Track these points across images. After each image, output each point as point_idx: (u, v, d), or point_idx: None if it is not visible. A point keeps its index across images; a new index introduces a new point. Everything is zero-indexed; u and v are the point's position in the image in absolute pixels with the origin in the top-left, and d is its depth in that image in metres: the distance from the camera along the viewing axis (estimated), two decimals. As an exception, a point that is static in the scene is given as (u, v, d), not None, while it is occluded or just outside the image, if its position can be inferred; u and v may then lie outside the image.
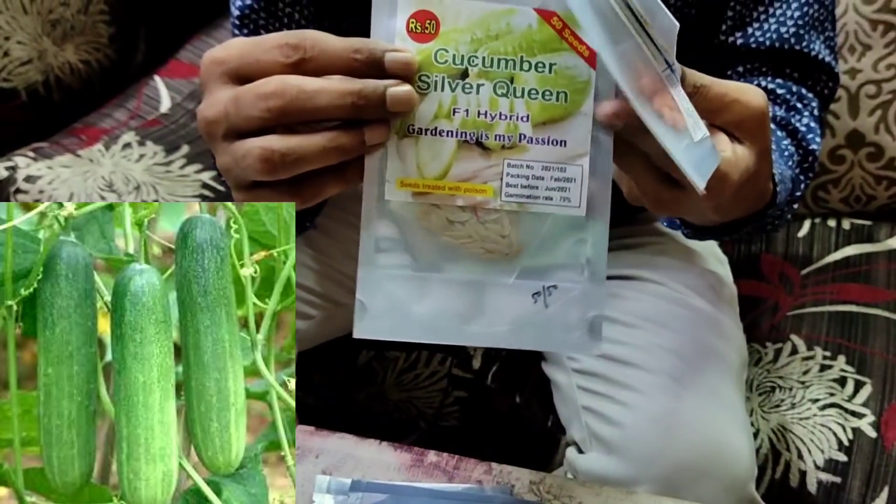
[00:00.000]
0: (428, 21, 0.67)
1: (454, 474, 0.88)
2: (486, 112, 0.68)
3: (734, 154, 0.74)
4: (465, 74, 0.68)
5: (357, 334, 0.69)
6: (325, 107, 0.64)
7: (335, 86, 0.65)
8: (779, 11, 1.09)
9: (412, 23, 0.67)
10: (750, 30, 1.10)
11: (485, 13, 0.68)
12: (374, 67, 0.65)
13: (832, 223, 1.60)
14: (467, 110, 0.68)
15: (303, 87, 0.64)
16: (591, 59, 0.69)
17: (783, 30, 1.09)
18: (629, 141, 0.71)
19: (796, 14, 1.08)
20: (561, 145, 0.69)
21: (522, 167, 0.68)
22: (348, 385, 1.37)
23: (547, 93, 0.68)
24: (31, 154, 1.47)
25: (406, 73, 0.66)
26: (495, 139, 0.68)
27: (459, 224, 0.69)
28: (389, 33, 0.67)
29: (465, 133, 0.68)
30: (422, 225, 0.68)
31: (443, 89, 0.68)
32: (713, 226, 0.93)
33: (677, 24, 0.67)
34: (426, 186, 0.68)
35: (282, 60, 0.65)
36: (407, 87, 0.66)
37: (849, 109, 1.55)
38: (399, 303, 0.69)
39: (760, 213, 0.90)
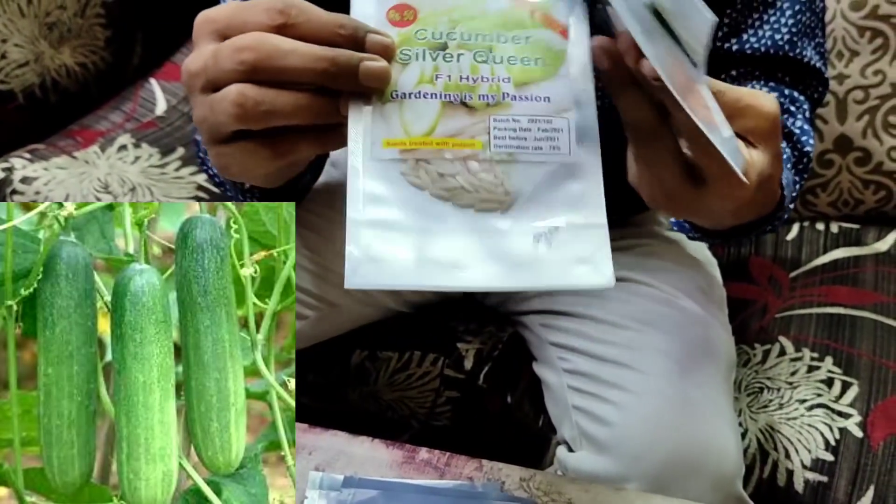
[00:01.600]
0: (406, 10, 0.69)
1: (445, 471, 0.88)
2: (468, 76, 0.69)
3: (750, 157, 0.75)
4: (444, 47, 0.69)
5: (348, 285, 0.66)
6: (296, 67, 0.65)
7: (310, 49, 0.65)
8: (773, 18, 1.09)
9: (391, 13, 0.69)
10: (745, 36, 1.11)
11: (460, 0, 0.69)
12: (355, 45, 0.67)
13: (820, 227, 1.61)
14: (449, 76, 0.69)
15: (278, 45, 0.65)
16: (564, 34, 0.71)
17: (777, 37, 1.09)
18: (657, 126, 0.72)
19: (790, 21, 1.09)
20: (545, 101, 0.70)
21: (508, 121, 0.69)
22: (341, 385, 1.37)
23: (525, 59, 0.70)
24: (28, 155, 1.47)
25: (385, 56, 0.67)
26: (479, 99, 0.69)
27: (450, 177, 0.68)
28: (367, 20, 0.68)
29: (449, 95, 0.69)
30: (410, 181, 0.68)
31: (424, 59, 0.69)
32: (722, 230, 0.94)
33: (712, 18, 0.67)
34: (413, 144, 0.68)
35: (266, 23, 0.66)
36: (382, 63, 0.67)
37: (837, 114, 1.56)
38: (390, 253, 0.67)
39: (769, 217, 0.91)
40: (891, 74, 1.52)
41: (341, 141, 0.69)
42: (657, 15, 0.69)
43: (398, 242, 0.67)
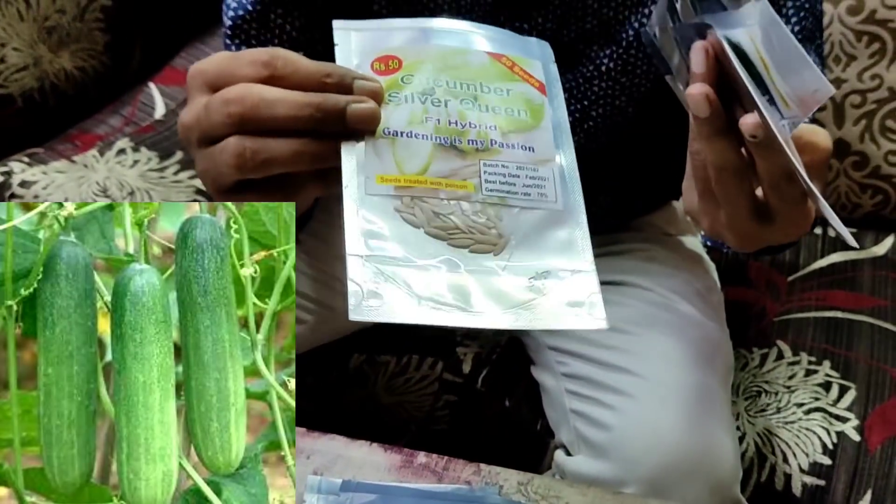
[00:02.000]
0: (391, 60, 0.71)
1: (443, 475, 0.88)
2: (456, 121, 0.70)
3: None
4: (432, 92, 0.70)
5: (352, 317, 0.66)
6: (283, 116, 0.66)
7: (295, 97, 0.66)
8: None
9: (376, 64, 0.71)
10: None
11: (442, 51, 0.72)
12: (343, 92, 0.67)
13: (818, 230, 1.61)
14: (438, 119, 0.70)
15: (264, 95, 0.66)
16: (542, 89, 0.74)
17: None
18: (741, 170, 0.74)
19: (795, 28, 1.09)
20: (530, 150, 0.71)
21: (498, 166, 0.70)
22: (340, 389, 1.38)
23: (509, 109, 0.72)
24: (27, 159, 1.47)
25: (373, 100, 0.68)
26: (468, 143, 0.70)
27: (445, 216, 0.69)
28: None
29: (440, 137, 0.70)
30: (405, 218, 0.68)
31: (413, 102, 0.70)
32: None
33: (831, 89, 0.69)
34: (407, 181, 0.69)
35: (253, 75, 0.67)
36: (371, 104, 0.68)
37: (834, 119, 1.57)
38: (390, 288, 0.67)
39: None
40: (888, 79, 1.53)
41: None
42: (740, 55, 0.70)
43: (397, 278, 0.67)
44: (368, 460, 0.89)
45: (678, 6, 0.76)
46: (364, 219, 0.67)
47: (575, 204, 0.72)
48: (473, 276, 0.68)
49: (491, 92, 0.72)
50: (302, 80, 0.67)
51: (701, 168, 0.76)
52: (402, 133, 0.69)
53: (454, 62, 0.72)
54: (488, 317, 0.68)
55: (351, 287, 0.66)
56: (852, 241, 0.71)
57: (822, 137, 0.78)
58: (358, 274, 0.66)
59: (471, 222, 0.69)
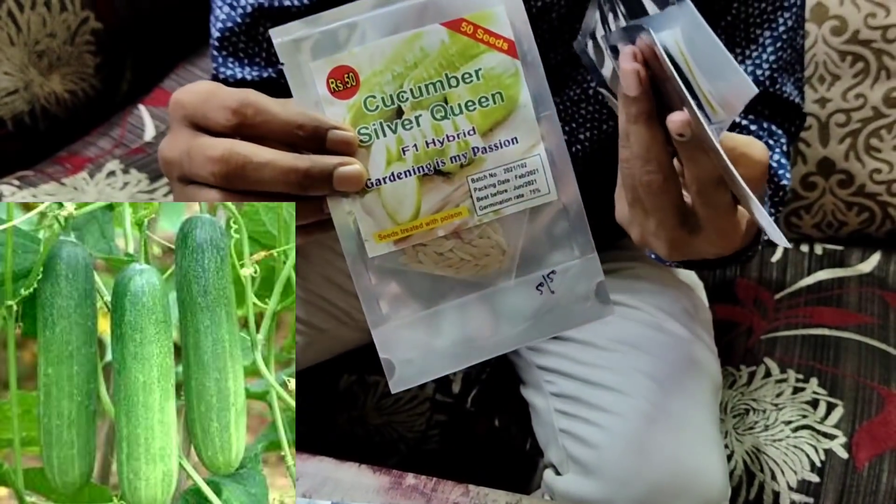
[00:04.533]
0: (346, 75, 0.68)
1: (432, 496, 0.88)
2: (433, 140, 0.69)
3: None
4: (399, 112, 0.68)
5: (394, 390, 0.71)
6: (268, 180, 0.66)
7: (282, 161, 0.66)
8: (755, 54, 1.11)
9: (332, 83, 0.68)
10: None
11: (396, 46, 0.68)
12: (316, 143, 0.67)
13: (805, 248, 1.63)
14: (416, 145, 0.68)
15: (249, 157, 0.65)
16: (512, 50, 0.69)
17: (759, 73, 1.11)
18: (667, 169, 0.73)
19: (771, 58, 1.11)
20: (514, 143, 0.70)
21: (486, 177, 0.69)
22: (329, 409, 1.38)
23: (483, 99, 0.69)
24: (17, 182, 1.47)
25: (347, 151, 0.67)
26: (451, 161, 0.69)
27: (449, 253, 0.69)
28: (314, 100, 0.68)
29: (422, 167, 0.69)
30: (414, 268, 0.69)
31: (385, 134, 0.68)
32: (695, 261, 0.96)
33: (754, 89, 0.67)
34: (404, 231, 0.69)
35: (223, 122, 0.66)
36: (356, 167, 0.67)
37: (819, 137, 1.58)
38: (420, 346, 0.70)
39: (742, 251, 0.93)
40: (872, 98, 1.54)
41: (329, 228, 0.70)
42: (676, 70, 0.69)
43: (422, 335, 0.70)
44: (357, 482, 0.89)
45: (608, 13, 0.75)
46: (377, 286, 0.70)
47: (568, 186, 0.70)
48: (488, 303, 0.70)
49: (460, 83, 0.69)
50: (273, 131, 0.67)
51: (631, 177, 0.75)
52: (384, 179, 0.68)
53: (412, 55, 0.68)
54: (508, 341, 0.71)
55: (384, 362, 0.70)
56: (784, 241, 0.70)
57: (758, 150, 0.77)
58: (386, 346, 0.70)
59: (473, 249, 0.70)
